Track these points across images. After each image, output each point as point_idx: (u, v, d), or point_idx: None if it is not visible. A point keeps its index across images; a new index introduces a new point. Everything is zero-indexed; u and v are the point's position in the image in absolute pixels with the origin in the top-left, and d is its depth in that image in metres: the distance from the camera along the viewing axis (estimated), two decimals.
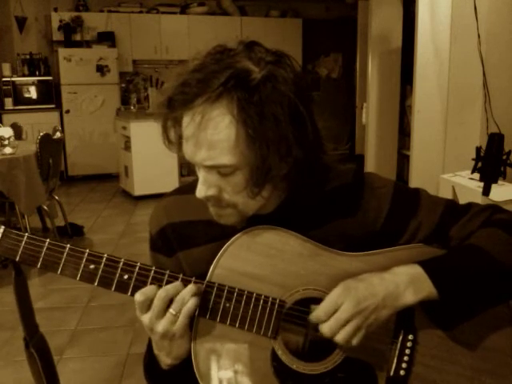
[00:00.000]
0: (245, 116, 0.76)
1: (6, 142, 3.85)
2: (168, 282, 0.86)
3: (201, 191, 0.84)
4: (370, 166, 4.99)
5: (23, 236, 0.87)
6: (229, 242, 0.89)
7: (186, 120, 0.80)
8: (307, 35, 8.00)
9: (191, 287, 0.85)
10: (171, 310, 0.83)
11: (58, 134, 4.30)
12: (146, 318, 0.84)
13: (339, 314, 0.82)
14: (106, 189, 6.41)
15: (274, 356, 0.88)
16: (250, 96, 0.76)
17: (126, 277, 0.87)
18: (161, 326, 0.84)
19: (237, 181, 0.82)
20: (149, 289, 0.84)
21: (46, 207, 4.15)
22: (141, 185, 5.61)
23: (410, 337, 0.90)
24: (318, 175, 0.94)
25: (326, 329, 0.82)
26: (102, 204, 5.69)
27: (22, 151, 3.88)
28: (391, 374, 0.89)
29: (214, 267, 0.89)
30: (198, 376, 0.87)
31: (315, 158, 0.87)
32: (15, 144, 3.94)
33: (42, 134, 3.96)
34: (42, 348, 1.08)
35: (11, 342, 2.70)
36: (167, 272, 0.87)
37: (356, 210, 0.95)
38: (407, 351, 0.90)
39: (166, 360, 0.89)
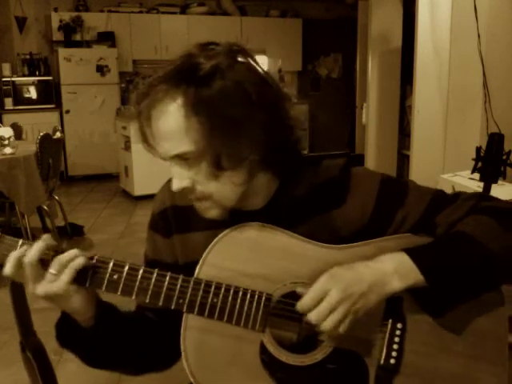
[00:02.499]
0: (193, 104, 0.80)
1: (6, 142, 3.84)
2: (169, 283, 0.88)
3: (175, 185, 0.88)
4: (369, 166, 4.99)
5: (17, 241, 0.88)
6: (216, 239, 0.91)
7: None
8: (307, 35, 7.99)
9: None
10: (51, 270, 0.85)
11: (58, 134, 4.30)
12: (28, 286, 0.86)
13: (326, 300, 0.82)
14: (106, 189, 6.41)
15: (263, 349, 0.88)
16: (197, 85, 0.80)
17: (115, 276, 0.88)
18: (41, 287, 0.85)
19: (203, 169, 0.85)
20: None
21: (46, 207, 4.15)
22: (141, 185, 5.61)
23: (399, 325, 0.90)
24: (303, 169, 0.97)
25: (313, 316, 0.82)
26: (102, 204, 5.69)
27: (22, 151, 3.88)
28: (381, 362, 0.90)
29: (202, 264, 0.90)
30: (187, 371, 0.88)
31: (284, 142, 0.89)
32: (15, 144, 3.94)
33: (41, 134, 3.95)
34: (38, 351, 1.07)
35: (9, 343, 2.70)
36: (167, 274, 0.89)
37: (342, 203, 0.95)
38: (396, 339, 0.90)
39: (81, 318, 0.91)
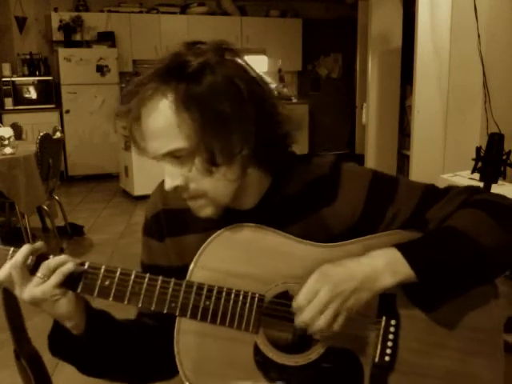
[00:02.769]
0: (184, 100, 0.80)
1: (6, 142, 3.84)
2: (161, 286, 0.88)
3: (167, 184, 0.87)
4: (369, 166, 4.97)
5: (9, 250, 0.88)
6: (207, 241, 0.91)
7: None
8: (307, 35, 7.99)
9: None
10: (39, 274, 0.86)
11: (58, 134, 4.30)
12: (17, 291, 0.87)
13: (318, 299, 0.82)
14: (106, 189, 6.40)
15: (257, 350, 0.88)
16: (188, 81, 0.81)
17: (107, 282, 0.88)
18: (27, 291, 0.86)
19: (197, 165, 0.85)
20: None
21: (46, 207, 4.15)
22: (141, 185, 5.60)
23: (393, 322, 0.90)
24: (294, 166, 0.97)
25: (305, 316, 0.82)
26: (102, 204, 5.69)
27: (22, 151, 3.88)
28: (376, 360, 0.89)
29: (194, 266, 0.90)
30: (181, 374, 0.87)
31: (273, 136, 0.88)
32: (15, 144, 3.94)
33: (41, 134, 3.95)
34: (33, 359, 1.06)
35: (8, 343, 2.69)
36: (159, 278, 0.88)
37: (333, 200, 0.95)
38: (390, 336, 0.90)
39: (70, 325, 0.91)
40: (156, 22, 7.19)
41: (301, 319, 0.82)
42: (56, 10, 6.75)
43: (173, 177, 0.86)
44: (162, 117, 0.82)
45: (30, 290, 0.86)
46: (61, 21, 6.70)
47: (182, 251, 0.99)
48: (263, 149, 0.87)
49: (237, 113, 0.82)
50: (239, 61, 0.87)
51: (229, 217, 0.92)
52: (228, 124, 0.82)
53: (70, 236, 4.44)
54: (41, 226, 4.61)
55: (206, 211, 0.90)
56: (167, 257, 1.01)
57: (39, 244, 0.89)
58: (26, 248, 0.86)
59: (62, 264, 0.87)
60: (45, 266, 0.86)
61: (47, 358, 0.95)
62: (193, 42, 0.87)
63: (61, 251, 4.10)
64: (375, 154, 5.17)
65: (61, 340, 0.93)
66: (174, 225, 1.00)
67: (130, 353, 0.99)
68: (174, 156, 0.85)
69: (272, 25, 7.75)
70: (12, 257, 0.86)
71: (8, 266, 0.85)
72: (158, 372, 1.02)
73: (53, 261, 0.87)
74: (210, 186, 0.87)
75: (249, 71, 0.87)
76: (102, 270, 0.88)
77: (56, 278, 0.86)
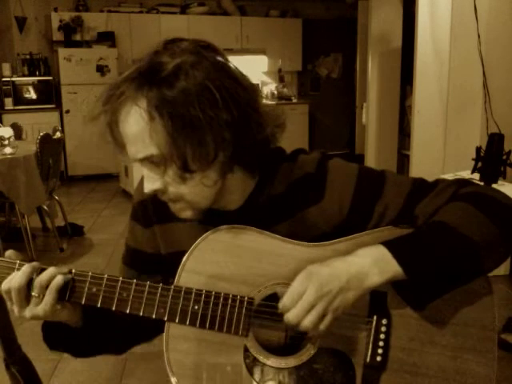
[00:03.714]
0: (156, 106, 0.79)
1: (6, 142, 3.85)
2: (149, 292, 0.88)
3: (146, 187, 0.87)
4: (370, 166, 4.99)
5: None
6: (194, 245, 0.90)
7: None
8: (307, 35, 7.99)
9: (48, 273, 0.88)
10: (34, 294, 0.86)
11: (58, 134, 4.29)
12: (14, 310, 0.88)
13: (303, 299, 0.80)
14: (106, 189, 6.41)
15: (247, 353, 0.88)
16: (159, 86, 0.79)
17: (94, 290, 0.89)
18: (28, 311, 0.87)
19: (173, 171, 0.84)
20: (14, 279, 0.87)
21: (46, 207, 4.15)
22: None
23: (384, 321, 0.89)
24: (279, 165, 0.95)
25: (290, 316, 0.81)
26: (102, 204, 5.69)
27: (22, 151, 3.88)
28: (367, 360, 0.88)
29: (181, 271, 0.89)
30: (172, 380, 0.87)
31: (253, 139, 0.86)
32: (15, 144, 3.94)
33: (42, 134, 3.95)
34: (24, 367, 1.05)
35: None
36: (146, 284, 0.89)
37: (320, 199, 0.94)
38: (382, 336, 0.89)
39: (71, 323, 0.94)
40: (156, 22, 7.19)
41: (286, 319, 0.81)
42: (56, 10, 6.75)
43: (151, 181, 0.86)
44: (135, 123, 0.81)
45: (31, 311, 0.87)
46: (61, 21, 6.70)
47: (169, 238, 0.99)
48: (243, 152, 0.85)
49: (210, 118, 0.80)
50: (220, 61, 0.84)
51: (214, 217, 0.91)
52: (199, 130, 0.80)
53: (70, 236, 4.45)
54: (41, 226, 4.61)
55: (186, 213, 0.90)
56: (153, 244, 1.02)
57: (13, 254, 0.90)
58: (27, 269, 0.87)
59: (51, 278, 0.87)
60: (37, 284, 0.86)
61: (43, 367, 0.95)
62: (172, 40, 0.85)
63: (61, 251, 4.10)
64: (375, 154, 5.17)
65: (57, 334, 0.96)
66: (162, 212, 0.98)
67: (120, 331, 1.02)
68: (150, 161, 0.84)
69: (272, 25, 7.75)
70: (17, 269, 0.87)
71: (10, 285, 0.86)
72: (140, 339, 1.07)
73: (44, 277, 0.87)
74: (187, 191, 0.86)
75: (230, 72, 0.84)
76: (89, 278, 0.88)
77: (51, 296, 0.86)
